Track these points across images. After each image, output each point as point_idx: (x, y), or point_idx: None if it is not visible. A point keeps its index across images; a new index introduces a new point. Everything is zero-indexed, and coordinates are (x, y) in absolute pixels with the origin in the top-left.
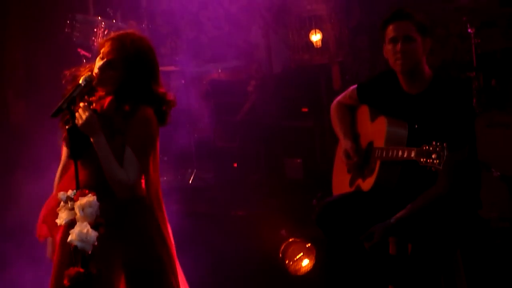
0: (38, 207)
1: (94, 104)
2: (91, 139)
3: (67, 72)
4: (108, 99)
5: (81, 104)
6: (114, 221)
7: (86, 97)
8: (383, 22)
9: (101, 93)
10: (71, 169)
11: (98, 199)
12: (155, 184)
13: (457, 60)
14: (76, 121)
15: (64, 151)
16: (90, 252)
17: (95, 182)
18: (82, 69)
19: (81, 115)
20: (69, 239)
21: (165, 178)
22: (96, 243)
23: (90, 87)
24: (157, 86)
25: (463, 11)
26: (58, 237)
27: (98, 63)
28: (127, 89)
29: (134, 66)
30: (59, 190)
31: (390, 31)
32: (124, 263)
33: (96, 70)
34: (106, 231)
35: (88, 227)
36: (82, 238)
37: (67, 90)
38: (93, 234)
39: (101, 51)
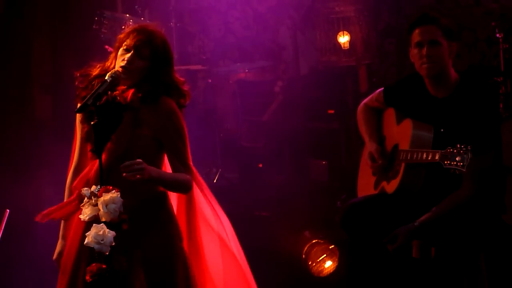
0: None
1: (118, 98)
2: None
3: (77, 73)
4: (131, 92)
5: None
6: (136, 217)
7: (109, 92)
8: (409, 26)
9: (122, 86)
10: (85, 170)
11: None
12: None
13: (485, 65)
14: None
15: (77, 151)
16: (107, 253)
17: (118, 179)
18: (93, 69)
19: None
20: (86, 241)
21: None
22: (113, 243)
23: (117, 82)
24: (176, 77)
25: (492, 15)
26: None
27: (124, 55)
28: (151, 81)
29: (161, 57)
30: (75, 189)
31: (416, 35)
32: (144, 257)
33: (122, 63)
34: (128, 227)
35: (104, 228)
36: (98, 240)
37: (79, 90)
38: (110, 235)
39: (125, 44)
